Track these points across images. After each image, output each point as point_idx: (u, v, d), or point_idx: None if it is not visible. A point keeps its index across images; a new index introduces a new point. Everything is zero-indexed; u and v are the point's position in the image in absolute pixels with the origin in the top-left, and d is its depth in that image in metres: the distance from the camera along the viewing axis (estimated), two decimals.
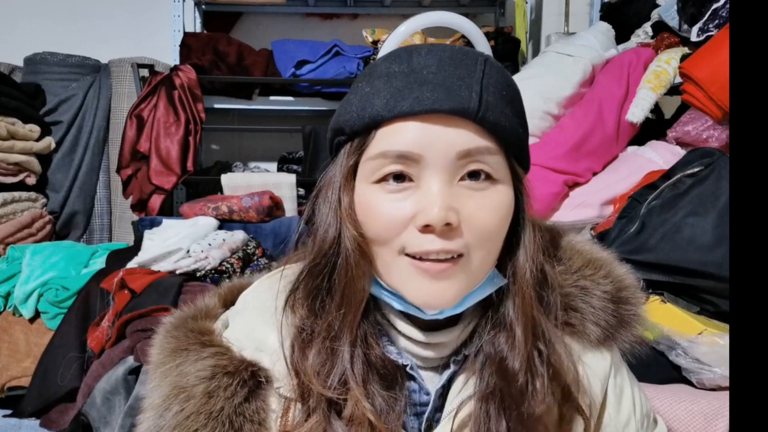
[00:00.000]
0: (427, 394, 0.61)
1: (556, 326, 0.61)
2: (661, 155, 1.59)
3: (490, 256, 0.57)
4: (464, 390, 0.60)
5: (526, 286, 0.58)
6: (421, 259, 0.54)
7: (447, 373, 0.61)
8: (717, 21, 1.60)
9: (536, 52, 2.84)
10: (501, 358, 0.58)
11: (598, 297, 0.64)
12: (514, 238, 0.60)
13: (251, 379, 0.59)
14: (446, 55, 0.55)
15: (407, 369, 0.60)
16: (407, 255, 0.55)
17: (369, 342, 0.59)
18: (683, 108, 1.69)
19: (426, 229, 0.53)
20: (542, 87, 1.79)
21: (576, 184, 1.68)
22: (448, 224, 0.52)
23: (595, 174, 1.69)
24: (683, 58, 1.65)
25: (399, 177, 0.55)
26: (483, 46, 1.94)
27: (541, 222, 0.66)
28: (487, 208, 0.55)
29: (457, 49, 0.57)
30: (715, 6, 1.59)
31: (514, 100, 0.58)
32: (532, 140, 1.76)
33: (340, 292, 0.58)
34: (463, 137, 0.54)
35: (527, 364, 0.58)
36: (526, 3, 2.73)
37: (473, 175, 0.55)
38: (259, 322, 0.63)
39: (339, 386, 0.57)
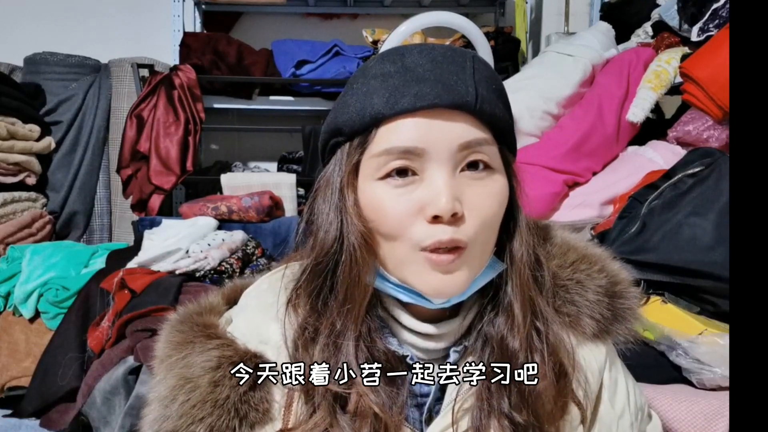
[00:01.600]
0: (428, 385, 0.62)
1: (549, 305, 0.63)
2: (661, 155, 1.59)
3: (490, 242, 0.60)
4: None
5: (523, 266, 0.61)
6: (432, 251, 0.56)
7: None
8: (717, 21, 1.60)
9: (536, 52, 2.83)
10: (501, 337, 0.61)
11: (593, 291, 0.66)
12: (511, 222, 0.63)
13: (255, 369, 0.60)
14: (437, 54, 0.58)
15: (407, 360, 0.61)
16: (421, 250, 0.57)
17: (371, 336, 0.60)
18: (683, 108, 1.69)
19: (435, 219, 0.55)
20: (542, 87, 1.79)
21: (576, 184, 1.68)
22: (454, 214, 0.55)
23: (595, 174, 1.69)
24: (683, 57, 1.65)
25: (402, 171, 0.57)
26: (483, 46, 1.94)
27: (537, 221, 0.69)
28: (487, 196, 0.58)
29: (446, 47, 0.60)
30: (715, 6, 1.59)
31: (501, 92, 0.61)
32: (532, 140, 1.76)
33: (343, 289, 0.59)
34: (463, 130, 0.56)
35: (526, 342, 0.60)
36: (526, 3, 2.73)
37: (472, 165, 0.57)
38: (261, 318, 0.64)
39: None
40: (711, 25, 1.61)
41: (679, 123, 1.60)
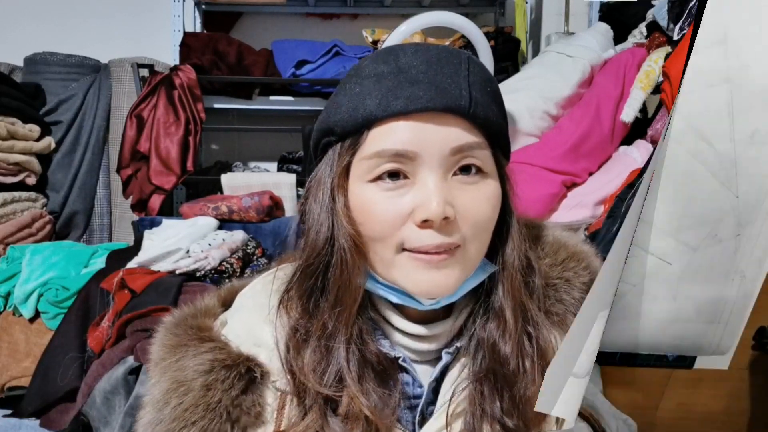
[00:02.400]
0: (420, 386, 0.62)
1: (540, 309, 0.63)
2: (641, 154, 1.59)
3: (483, 245, 0.59)
4: (457, 381, 0.61)
5: (515, 271, 0.61)
6: (419, 252, 0.56)
7: (440, 365, 0.62)
8: (689, 19, 1.58)
9: (536, 52, 2.83)
10: (493, 342, 0.60)
11: (578, 288, 0.66)
12: (503, 226, 0.62)
13: (248, 373, 0.60)
14: (432, 55, 0.57)
15: (400, 361, 0.61)
16: (405, 250, 0.57)
17: (363, 338, 0.60)
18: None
19: (425, 224, 0.55)
20: (542, 87, 1.79)
21: (574, 185, 1.68)
22: (446, 218, 0.54)
23: (591, 174, 1.69)
24: (666, 57, 1.64)
25: (393, 174, 0.56)
26: (483, 46, 1.94)
27: (530, 220, 0.69)
28: (480, 200, 0.57)
29: (441, 48, 0.59)
30: (691, 4, 1.56)
31: (496, 94, 0.60)
32: (531, 140, 1.76)
33: (334, 291, 0.59)
34: (455, 133, 0.56)
35: (518, 347, 0.60)
36: (526, 3, 2.73)
37: (465, 169, 0.57)
38: (255, 320, 0.64)
39: (334, 384, 0.58)
40: (686, 24, 1.59)
41: (654, 121, 1.60)
